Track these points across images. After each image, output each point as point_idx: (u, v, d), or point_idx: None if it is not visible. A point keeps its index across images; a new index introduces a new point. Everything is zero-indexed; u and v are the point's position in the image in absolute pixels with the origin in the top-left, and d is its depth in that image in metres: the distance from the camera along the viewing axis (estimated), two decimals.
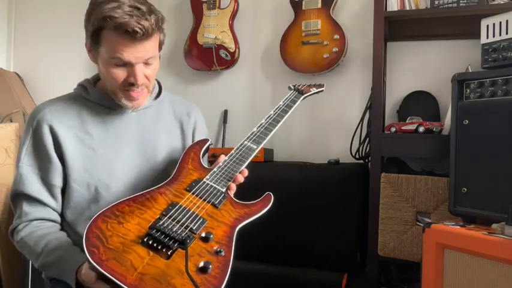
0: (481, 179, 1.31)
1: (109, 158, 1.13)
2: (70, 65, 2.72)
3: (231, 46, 2.28)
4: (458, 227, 1.26)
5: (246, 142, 1.19)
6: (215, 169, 1.12)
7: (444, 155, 1.46)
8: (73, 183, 1.10)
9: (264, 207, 1.10)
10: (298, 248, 1.82)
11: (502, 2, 1.67)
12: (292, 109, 1.31)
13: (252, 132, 1.22)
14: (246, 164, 1.14)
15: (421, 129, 1.66)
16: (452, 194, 1.38)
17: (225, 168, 1.12)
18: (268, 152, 2.06)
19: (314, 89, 1.43)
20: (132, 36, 1.00)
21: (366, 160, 1.96)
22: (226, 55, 2.28)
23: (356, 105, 2.14)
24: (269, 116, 1.27)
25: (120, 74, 1.06)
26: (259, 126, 1.23)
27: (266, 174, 1.88)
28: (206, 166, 1.16)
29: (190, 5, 2.37)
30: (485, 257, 1.14)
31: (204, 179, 1.09)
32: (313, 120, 2.24)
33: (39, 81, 2.80)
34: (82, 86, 1.19)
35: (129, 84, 1.08)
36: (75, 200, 1.11)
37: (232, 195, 1.10)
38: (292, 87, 1.40)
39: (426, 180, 1.60)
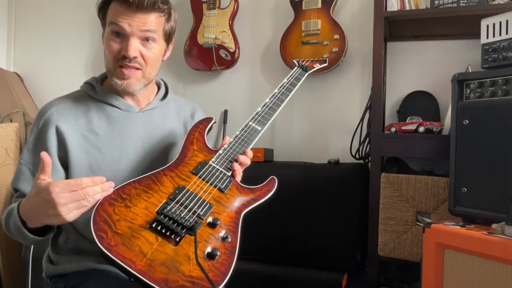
0: (481, 179, 1.31)
1: (114, 158, 1.13)
2: (70, 65, 2.73)
3: (231, 46, 2.28)
4: (458, 227, 1.26)
5: (250, 123, 1.17)
6: (220, 151, 1.11)
7: (444, 155, 1.46)
8: None
9: (269, 191, 1.09)
10: (298, 248, 1.82)
11: (502, 2, 1.67)
12: (297, 87, 1.29)
13: (257, 112, 1.20)
14: (251, 145, 1.13)
15: (421, 129, 1.65)
16: (452, 194, 1.38)
17: (230, 150, 1.11)
18: (268, 152, 2.06)
19: (317, 64, 1.43)
20: (133, 4, 1.04)
21: (366, 160, 1.96)
22: (226, 55, 2.28)
23: (356, 105, 2.14)
24: (273, 95, 1.25)
25: (115, 46, 1.08)
26: (263, 106, 1.21)
27: (266, 174, 1.89)
28: (210, 145, 1.15)
29: (190, 5, 2.36)
30: (485, 257, 1.14)
31: (210, 162, 1.08)
32: (313, 120, 2.24)
33: (39, 81, 2.80)
34: (89, 85, 1.20)
35: (122, 58, 1.08)
36: None
37: (238, 180, 1.09)
38: (296, 63, 1.38)
39: (426, 180, 1.60)
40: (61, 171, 1.11)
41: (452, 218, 1.40)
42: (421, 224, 1.57)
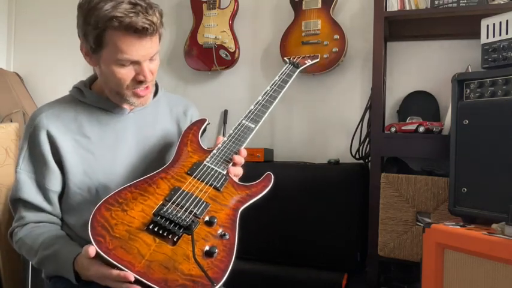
0: (481, 179, 1.31)
1: (108, 160, 1.12)
2: (70, 65, 2.72)
3: (231, 46, 2.28)
4: (458, 227, 1.26)
5: (244, 121, 1.17)
6: (215, 151, 1.11)
7: (444, 155, 1.46)
8: (74, 186, 1.10)
9: (265, 187, 1.09)
10: (298, 248, 1.82)
11: (502, 2, 1.67)
12: (289, 84, 1.30)
13: (250, 111, 1.20)
14: (245, 144, 1.13)
15: (421, 129, 1.65)
16: (452, 194, 1.38)
17: (225, 149, 1.11)
18: (268, 152, 2.06)
19: (309, 60, 1.42)
20: (141, 33, 0.99)
21: (366, 160, 1.96)
22: (226, 55, 2.28)
23: (356, 105, 2.14)
24: (265, 93, 1.25)
25: (128, 73, 1.05)
26: (256, 104, 1.22)
27: None
28: (204, 147, 1.15)
29: (190, 5, 2.37)
30: (485, 257, 1.14)
31: (205, 162, 1.08)
32: (313, 120, 2.24)
33: (39, 81, 2.80)
34: (77, 89, 1.18)
35: (138, 83, 1.07)
36: (76, 203, 1.11)
37: (236, 179, 1.09)
38: (288, 60, 1.38)
39: (426, 180, 1.60)
40: (57, 172, 1.11)
41: (452, 218, 1.39)
42: (421, 224, 1.57)
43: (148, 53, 1.04)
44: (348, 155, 1.99)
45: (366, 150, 1.96)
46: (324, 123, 2.22)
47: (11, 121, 2.43)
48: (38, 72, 2.83)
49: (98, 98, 1.16)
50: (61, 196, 1.13)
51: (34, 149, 1.11)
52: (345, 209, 1.77)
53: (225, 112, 2.38)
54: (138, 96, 1.10)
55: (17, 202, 1.12)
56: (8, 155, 2.06)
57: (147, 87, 1.10)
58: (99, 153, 1.12)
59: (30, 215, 1.10)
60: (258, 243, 1.83)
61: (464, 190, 1.35)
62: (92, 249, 0.85)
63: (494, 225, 1.20)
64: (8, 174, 2.03)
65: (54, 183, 1.10)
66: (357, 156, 1.98)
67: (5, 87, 2.59)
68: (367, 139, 1.93)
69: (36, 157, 1.11)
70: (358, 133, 1.99)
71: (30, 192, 1.10)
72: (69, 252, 0.99)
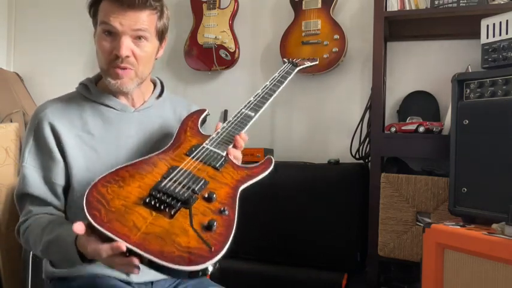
0: (481, 179, 1.31)
1: (110, 158, 1.12)
2: (70, 65, 2.73)
3: (231, 46, 2.28)
4: (458, 227, 1.27)
5: (243, 110, 1.18)
6: (213, 135, 1.11)
7: (444, 155, 1.46)
8: (75, 182, 1.10)
9: (265, 169, 1.07)
10: (298, 248, 1.82)
11: (502, 2, 1.67)
12: (287, 80, 1.31)
13: (249, 101, 1.21)
14: (245, 130, 1.13)
15: (421, 129, 1.66)
16: (452, 194, 1.38)
17: (224, 133, 1.11)
18: (268, 152, 2.07)
19: (308, 62, 1.45)
20: (121, 3, 1.02)
21: (366, 160, 1.96)
22: (226, 55, 2.28)
23: (356, 105, 2.14)
24: (265, 86, 1.27)
25: (107, 46, 1.06)
26: (255, 96, 1.23)
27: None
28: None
29: (190, 4, 2.37)
30: (485, 257, 1.14)
31: (204, 144, 1.07)
32: (313, 120, 2.24)
33: (39, 81, 2.80)
34: (84, 85, 1.19)
35: (115, 58, 1.06)
36: (77, 199, 1.11)
37: (235, 162, 1.08)
38: (287, 61, 1.41)
39: (426, 180, 1.60)
40: (62, 164, 1.10)
41: (452, 218, 1.40)
42: (421, 224, 1.57)
43: (127, 24, 1.04)
44: (348, 155, 1.99)
45: (366, 150, 1.96)
46: (324, 123, 2.22)
47: (11, 121, 2.43)
48: (38, 72, 2.82)
49: (104, 95, 1.16)
50: (65, 191, 1.13)
51: (39, 142, 1.11)
52: (345, 209, 1.77)
53: (225, 112, 2.38)
54: (115, 76, 1.09)
55: (23, 197, 1.11)
56: (8, 155, 2.05)
57: (126, 68, 1.08)
58: (102, 151, 1.12)
59: (37, 209, 1.10)
60: (257, 243, 1.83)
61: (464, 190, 1.35)
62: (78, 225, 0.82)
63: (494, 225, 1.20)
64: (8, 174, 2.03)
65: (61, 177, 1.10)
66: (357, 156, 1.98)
67: (5, 87, 2.59)
68: (367, 139, 1.93)
69: (42, 151, 1.10)
70: (358, 133, 1.99)
71: (37, 187, 1.09)
72: (70, 234, 0.95)
